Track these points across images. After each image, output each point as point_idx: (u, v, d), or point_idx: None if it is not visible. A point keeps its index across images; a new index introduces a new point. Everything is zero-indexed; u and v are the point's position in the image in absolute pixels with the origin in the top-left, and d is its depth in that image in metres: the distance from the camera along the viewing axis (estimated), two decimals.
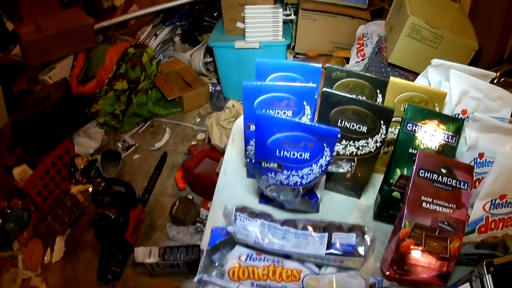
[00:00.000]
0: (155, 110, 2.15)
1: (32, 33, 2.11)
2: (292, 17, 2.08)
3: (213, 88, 2.25)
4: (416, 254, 0.81)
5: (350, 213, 0.92)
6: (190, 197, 1.79)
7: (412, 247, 0.81)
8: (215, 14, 2.23)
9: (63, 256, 1.93)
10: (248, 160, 0.86)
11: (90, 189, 1.98)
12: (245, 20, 1.89)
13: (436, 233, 0.82)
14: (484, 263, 0.76)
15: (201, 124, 2.14)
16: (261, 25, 1.91)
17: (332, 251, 0.67)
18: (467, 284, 0.77)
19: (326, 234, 0.69)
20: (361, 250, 0.68)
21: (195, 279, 0.67)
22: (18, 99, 2.22)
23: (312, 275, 0.65)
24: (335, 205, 0.91)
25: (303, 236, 0.69)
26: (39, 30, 2.08)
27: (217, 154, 1.68)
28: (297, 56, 2.21)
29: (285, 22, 2.03)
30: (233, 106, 1.73)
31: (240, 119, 1.03)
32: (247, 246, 0.71)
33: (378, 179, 0.92)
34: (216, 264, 0.70)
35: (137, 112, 2.12)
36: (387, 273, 0.80)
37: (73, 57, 2.28)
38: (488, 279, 0.74)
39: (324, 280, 0.63)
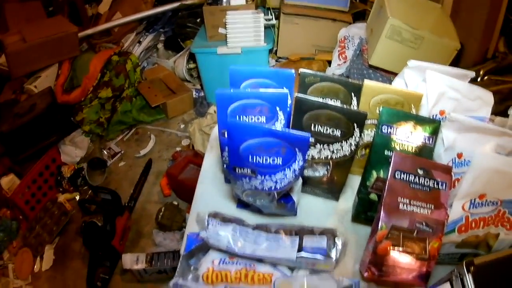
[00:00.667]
0: (140, 117, 2.14)
1: (17, 42, 2.10)
2: (274, 21, 2.08)
3: (197, 94, 2.25)
4: (394, 256, 0.81)
5: (328, 216, 0.91)
6: (176, 203, 1.78)
7: (389, 248, 0.81)
8: (197, 20, 2.23)
9: (52, 265, 1.91)
10: (224, 166, 0.85)
11: (77, 197, 1.98)
12: (226, 26, 1.89)
13: (414, 234, 0.82)
14: (464, 263, 0.75)
15: (185, 130, 2.14)
16: (243, 30, 1.90)
17: (303, 254, 0.67)
18: (448, 284, 0.76)
19: (297, 238, 0.69)
20: (332, 253, 0.67)
21: (171, 283, 0.68)
22: (3, 109, 2.19)
23: (283, 279, 0.65)
24: (313, 208, 0.91)
25: (275, 240, 0.70)
26: (24, 39, 2.06)
27: (200, 159, 1.66)
28: (279, 60, 2.21)
29: (267, 27, 2.03)
30: (215, 112, 1.72)
31: (216, 127, 1.02)
32: (220, 250, 0.71)
33: (356, 181, 0.92)
34: (192, 268, 0.70)
35: (122, 120, 2.11)
36: (365, 274, 0.80)
37: (58, 65, 2.26)
38: (469, 279, 0.73)
39: (295, 283, 0.63)
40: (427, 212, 0.83)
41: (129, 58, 2.14)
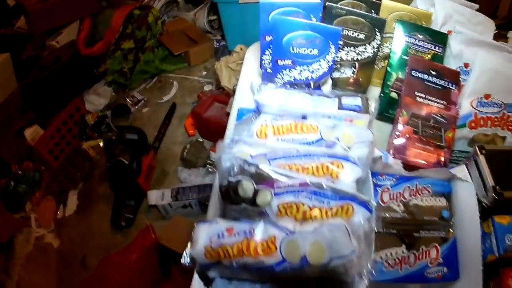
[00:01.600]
0: (162, 67, 2.28)
1: (38, 3, 2.24)
2: None
3: (217, 44, 2.40)
4: (415, 140, 0.93)
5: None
6: (201, 140, 1.92)
7: (410, 134, 0.93)
8: None
9: (76, 210, 2.02)
10: (263, 70, 1.01)
11: (101, 144, 2.08)
12: None
13: (431, 122, 0.97)
14: (477, 147, 0.86)
15: (208, 76, 2.25)
16: None
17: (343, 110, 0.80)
18: (463, 166, 0.86)
19: (337, 98, 0.84)
20: (366, 108, 0.82)
21: (227, 141, 0.75)
22: (27, 64, 2.30)
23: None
24: None
25: (319, 99, 0.83)
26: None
27: (226, 97, 1.81)
28: None
29: None
30: (241, 49, 1.87)
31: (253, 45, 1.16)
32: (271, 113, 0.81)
33: (377, 91, 1.05)
34: (245, 128, 0.79)
35: (144, 69, 2.25)
36: (391, 156, 0.91)
37: (78, 22, 2.41)
38: (481, 159, 0.84)
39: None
40: (441, 106, 0.98)
41: (151, 11, 2.26)
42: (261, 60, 0.95)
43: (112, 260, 1.54)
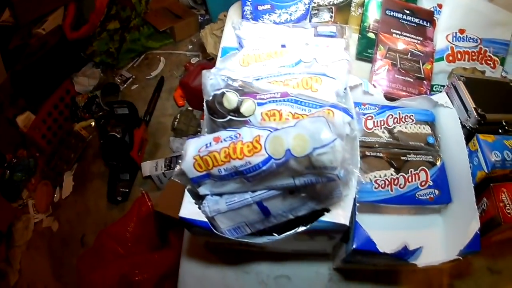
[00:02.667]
0: (148, 44, 2.29)
1: None
2: None
3: (202, 18, 2.41)
4: (395, 72, 0.96)
5: None
6: (190, 109, 1.94)
7: (389, 66, 0.96)
8: None
9: (72, 191, 2.03)
10: (245, 20, 1.02)
11: (93, 124, 2.11)
12: None
13: (408, 56, 1.00)
14: (455, 75, 0.89)
15: (194, 50, 2.26)
16: None
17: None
18: (443, 93, 0.89)
19: (313, 28, 0.86)
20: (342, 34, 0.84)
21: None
22: (15, 53, 2.30)
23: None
24: None
25: (296, 30, 0.86)
26: None
27: (213, 66, 1.82)
28: None
29: None
30: (225, 16, 1.88)
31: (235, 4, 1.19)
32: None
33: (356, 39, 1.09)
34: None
35: (131, 48, 2.26)
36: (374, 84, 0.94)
37: (63, 8, 2.41)
38: (460, 84, 0.87)
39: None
40: (417, 42, 1.01)
41: None
42: (243, 11, 0.98)
43: (109, 232, 1.54)
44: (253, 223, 0.65)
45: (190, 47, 2.28)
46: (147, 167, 1.71)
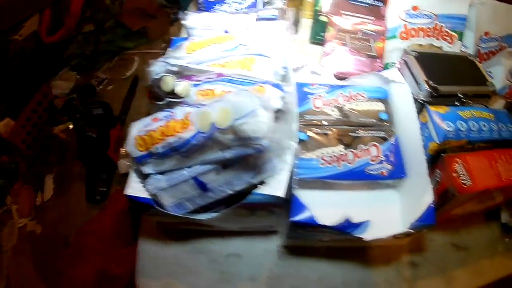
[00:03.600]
0: (123, 45, 2.31)
1: None
2: None
3: (174, 17, 2.44)
4: (345, 52, 0.99)
5: None
6: None
7: (339, 47, 0.99)
8: None
9: (54, 193, 2.03)
10: (199, 11, 1.06)
11: (71, 126, 2.13)
12: None
13: (358, 35, 1.03)
14: (405, 49, 0.92)
15: (167, 48, 2.31)
16: None
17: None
18: (395, 69, 0.91)
19: (255, 13, 0.89)
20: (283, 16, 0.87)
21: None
22: None
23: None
24: None
25: (239, 16, 0.90)
26: None
27: None
28: None
29: None
30: None
31: None
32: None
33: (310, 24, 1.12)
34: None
35: (106, 49, 2.28)
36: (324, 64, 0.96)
37: (39, 14, 2.43)
38: (411, 59, 0.89)
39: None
40: (369, 21, 1.04)
41: None
42: (198, 4, 1.03)
43: (87, 229, 1.56)
44: (193, 199, 0.67)
45: (163, 45, 2.30)
46: (123, 165, 1.72)
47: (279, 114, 0.66)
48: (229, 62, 0.74)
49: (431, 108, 0.82)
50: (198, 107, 0.63)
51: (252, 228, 0.79)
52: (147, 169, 0.69)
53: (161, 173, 0.69)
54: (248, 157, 0.62)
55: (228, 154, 0.61)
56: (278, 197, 0.63)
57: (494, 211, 0.93)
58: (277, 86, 0.67)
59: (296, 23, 1.11)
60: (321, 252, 0.82)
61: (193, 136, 0.62)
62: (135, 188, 0.69)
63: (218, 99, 0.62)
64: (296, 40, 1.15)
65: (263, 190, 0.63)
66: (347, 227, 0.68)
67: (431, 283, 0.83)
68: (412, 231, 0.69)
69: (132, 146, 0.67)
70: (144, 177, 0.70)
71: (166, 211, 0.68)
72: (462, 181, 0.74)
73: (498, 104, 1.00)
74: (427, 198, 0.70)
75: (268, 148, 0.59)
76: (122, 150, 0.70)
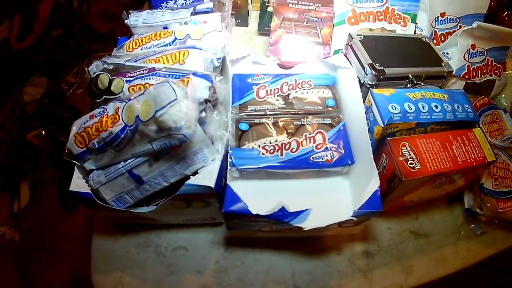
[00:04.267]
0: (91, 48, 2.33)
1: None
2: None
3: None
4: (290, 41, 0.99)
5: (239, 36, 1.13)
6: None
7: (284, 36, 0.99)
8: None
9: (29, 200, 2.05)
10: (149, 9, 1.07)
11: (43, 132, 2.14)
12: None
13: (305, 23, 1.02)
14: (349, 33, 0.90)
15: None
16: None
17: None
18: (341, 54, 0.92)
19: (192, 7, 0.90)
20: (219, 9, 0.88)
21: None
22: None
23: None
24: None
25: (178, 11, 0.91)
26: None
27: None
28: None
29: None
30: None
31: None
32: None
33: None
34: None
35: (75, 53, 2.30)
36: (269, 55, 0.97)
37: (9, 21, 2.43)
38: (356, 42, 0.88)
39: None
40: (315, 8, 1.04)
41: None
42: (148, 3, 1.04)
43: (58, 231, 1.57)
44: (131, 192, 0.69)
45: None
46: None
47: (210, 104, 0.67)
48: (162, 57, 0.75)
49: (375, 91, 0.80)
50: (126, 101, 0.64)
51: (196, 221, 0.80)
52: (88, 165, 0.71)
53: (102, 168, 0.70)
54: (177, 148, 0.63)
55: (155, 145, 0.62)
56: (209, 188, 0.63)
57: (457, 195, 0.92)
58: (204, 76, 0.68)
59: (246, 15, 1.12)
60: (268, 243, 0.83)
61: (121, 129, 0.63)
62: (78, 184, 0.70)
63: (142, 92, 0.63)
64: (246, 32, 1.16)
65: (194, 181, 0.64)
66: (282, 217, 0.67)
67: (388, 273, 0.82)
68: (354, 218, 0.67)
69: (72, 143, 0.69)
70: (87, 173, 0.70)
71: (107, 206, 0.70)
72: (410, 165, 0.72)
73: (458, 85, 1.00)
74: (373, 184, 0.68)
75: (192, 138, 0.59)
76: (66, 148, 0.71)
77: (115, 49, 0.91)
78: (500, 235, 0.89)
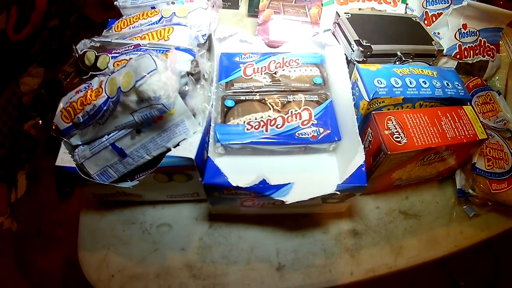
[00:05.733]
0: (89, 37, 2.34)
1: None
2: None
3: None
4: (278, 21, 0.99)
5: (231, 18, 1.14)
6: None
7: (272, 15, 0.99)
8: None
9: (26, 189, 2.07)
10: None
11: (40, 121, 2.15)
12: None
13: (293, 2, 1.02)
14: (337, 11, 0.90)
15: None
16: None
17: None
18: (329, 32, 0.92)
19: None
20: None
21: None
22: None
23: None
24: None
25: None
26: None
27: None
28: None
29: None
30: None
31: None
32: None
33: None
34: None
35: (71, 43, 2.32)
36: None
37: (6, 13, 2.44)
38: (343, 20, 0.88)
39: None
40: None
41: None
42: None
43: (53, 218, 1.58)
44: (114, 165, 0.70)
45: None
46: None
47: (193, 78, 0.68)
48: (148, 34, 0.76)
49: (361, 66, 0.79)
50: (109, 75, 0.64)
51: (181, 197, 0.80)
52: (74, 140, 0.72)
53: (88, 143, 0.71)
54: (158, 120, 0.64)
55: (137, 117, 0.63)
56: (189, 159, 0.64)
57: (448, 176, 0.91)
58: (187, 50, 0.69)
59: None
60: (253, 220, 0.82)
61: (104, 102, 0.64)
62: (64, 159, 0.72)
63: (124, 64, 0.63)
64: (236, 15, 1.17)
65: (174, 152, 0.65)
66: (263, 189, 0.66)
67: (377, 253, 0.81)
68: (338, 192, 0.66)
69: (59, 118, 0.71)
70: (72, 148, 0.72)
71: (92, 180, 0.71)
72: (396, 139, 0.70)
73: (450, 65, 1.00)
74: (358, 159, 0.68)
75: (171, 108, 0.60)
76: (53, 124, 0.72)
77: (104, 30, 0.92)
78: (494, 218, 0.88)
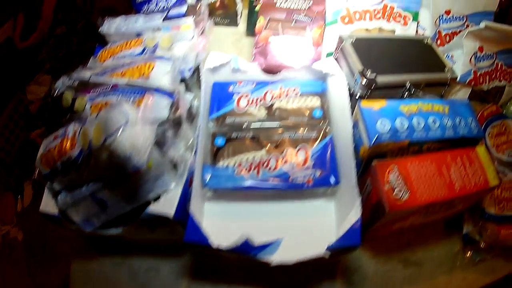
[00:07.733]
0: (95, 45, 2.32)
1: None
2: None
3: None
4: (277, 43, 0.92)
5: (227, 37, 1.08)
6: None
7: (270, 37, 0.92)
8: None
9: (32, 199, 2.06)
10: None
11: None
12: None
13: (293, 24, 0.94)
14: (340, 35, 0.83)
15: None
16: None
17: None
18: (331, 58, 0.85)
19: (166, 12, 0.85)
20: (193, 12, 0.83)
21: None
22: None
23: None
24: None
25: (151, 16, 0.88)
26: None
27: None
28: None
29: None
30: None
31: None
32: None
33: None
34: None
35: (78, 50, 2.30)
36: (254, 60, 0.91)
37: (13, 20, 2.43)
38: (346, 45, 0.81)
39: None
40: (306, 6, 0.94)
41: None
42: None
43: (60, 233, 1.55)
44: (97, 214, 0.67)
45: None
46: None
47: (172, 123, 0.63)
48: (129, 70, 0.71)
49: (363, 104, 0.70)
50: (84, 123, 0.60)
51: (166, 242, 0.75)
52: (56, 186, 0.69)
53: (69, 189, 0.68)
54: (135, 173, 0.59)
55: (110, 171, 0.58)
56: (167, 218, 0.60)
57: (455, 219, 0.83)
58: (165, 93, 0.63)
59: (235, 15, 1.07)
60: (242, 268, 0.78)
61: (78, 154, 0.61)
62: (48, 204, 0.71)
63: (96, 113, 0.59)
64: (234, 33, 1.12)
65: (153, 208, 0.60)
66: (246, 251, 0.61)
67: None
68: (329, 252, 0.60)
69: (39, 163, 0.68)
70: (55, 193, 0.70)
71: (77, 227, 0.68)
72: (396, 195, 0.63)
73: (463, 93, 0.92)
74: (353, 214, 0.62)
75: (144, 166, 0.55)
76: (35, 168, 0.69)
77: (92, 57, 0.89)
78: (500, 262, 0.81)
